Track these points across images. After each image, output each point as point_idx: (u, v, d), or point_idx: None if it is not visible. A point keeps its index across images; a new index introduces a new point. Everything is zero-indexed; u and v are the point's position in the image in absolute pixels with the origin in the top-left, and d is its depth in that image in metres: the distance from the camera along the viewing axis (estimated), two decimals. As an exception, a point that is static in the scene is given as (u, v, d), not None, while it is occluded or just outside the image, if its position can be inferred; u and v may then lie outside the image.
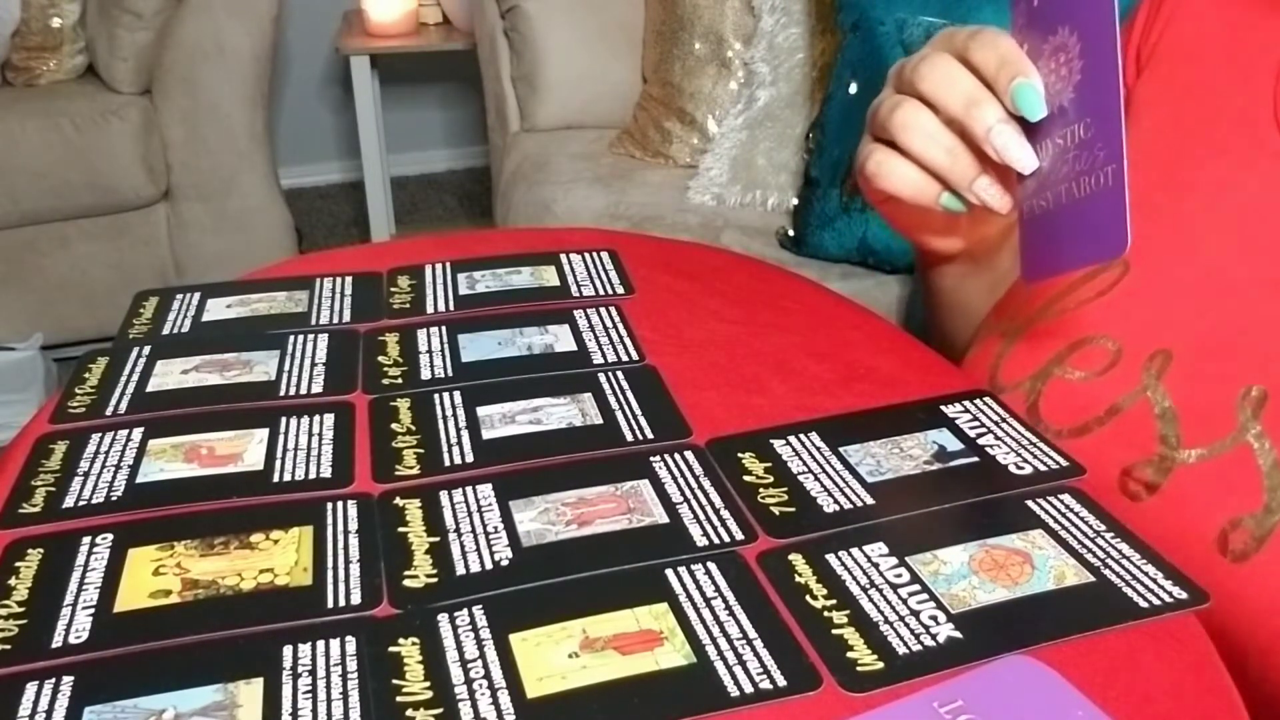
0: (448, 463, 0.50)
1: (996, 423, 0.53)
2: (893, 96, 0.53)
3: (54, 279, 2.03)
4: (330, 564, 0.44)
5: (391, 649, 0.39)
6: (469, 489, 0.48)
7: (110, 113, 1.96)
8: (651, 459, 0.50)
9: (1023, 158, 0.49)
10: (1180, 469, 0.50)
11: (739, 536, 0.45)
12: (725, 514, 0.47)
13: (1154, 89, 0.62)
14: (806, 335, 0.60)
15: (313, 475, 0.50)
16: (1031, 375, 0.57)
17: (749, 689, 0.37)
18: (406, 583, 0.43)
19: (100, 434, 0.53)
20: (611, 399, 0.55)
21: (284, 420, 0.54)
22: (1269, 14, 0.57)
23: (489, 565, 0.43)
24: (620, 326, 0.63)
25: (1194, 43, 0.61)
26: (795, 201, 1.57)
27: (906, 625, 0.40)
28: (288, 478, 0.50)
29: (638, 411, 0.54)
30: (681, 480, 0.49)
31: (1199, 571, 0.43)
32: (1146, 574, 0.43)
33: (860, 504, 0.47)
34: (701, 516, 0.46)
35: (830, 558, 0.44)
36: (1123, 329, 0.55)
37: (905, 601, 0.41)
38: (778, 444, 0.51)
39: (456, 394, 0.56)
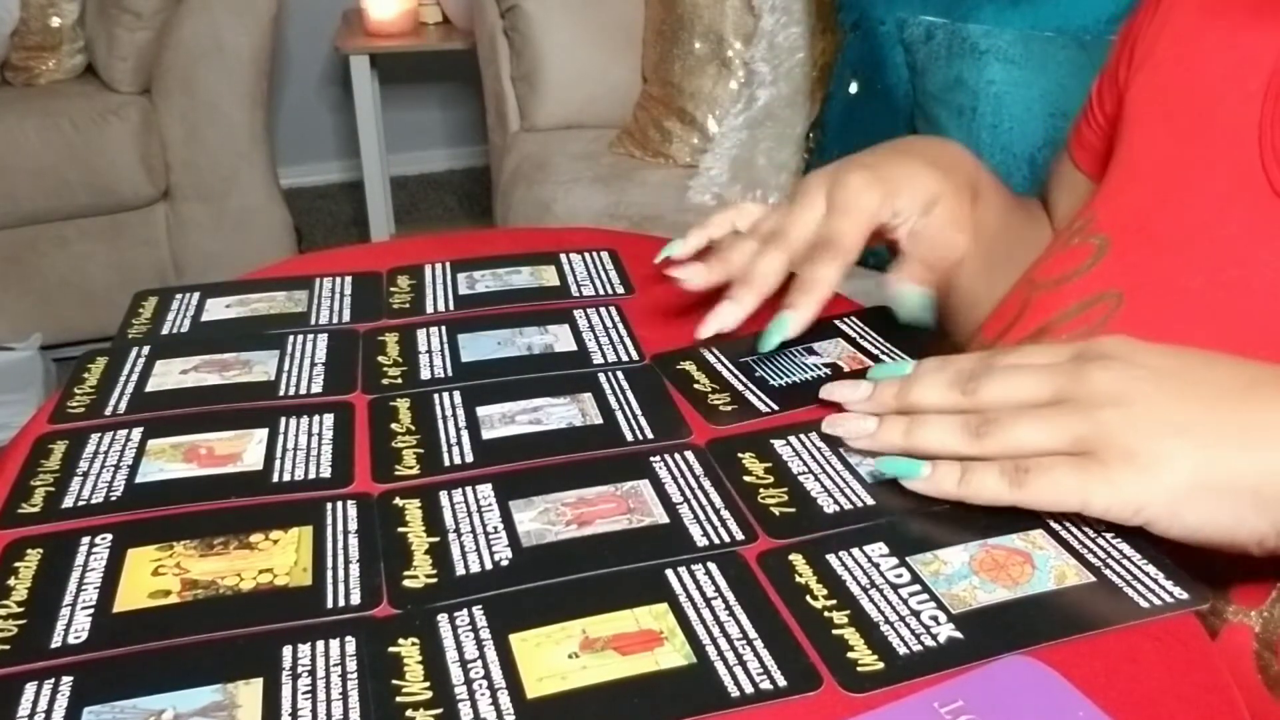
0: (447, 463, 0.50)
1: (997, 422, 0.53)
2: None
3: (54, 279, 2.04)
4: (330, 564, 0.44)
5: (391, 649, 0.39)
6: (469, 489, 0.48)
7: (109, 112, 1.96)
8: (651, 459, 0.50)
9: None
10: None
11: (739, 537, 0.45)
12: (725, 514, 0.46)
13: (1147, 94, 0.60)
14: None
15: (312, 475, 0.50)
16: None
17: (749, 689, 0.37)
18: (406, 583, 0.43)
19: (99, 434, 0.53)
20: (611, 399, 0.55)
21: (283, 420, 0.54)
22: (1260, 23, 0.54)
23: (489, 565, 0.43)
24: (620, 326, 0.63)
25: (1187, 45, 0.58)
26: (795, 201, 1.57)
27: (907, 625, 0.40)
28: (287, 478, 0.49)
29: (638, 411, 0.54)
30: (681, 480, 0.49)
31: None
32: (1147, 574, 0.43)
33: (860, 504, 0.47)
34: (701, 516, 0.46)
35: (830, 558, 0.44)
36: None
37: (905, 601, 0.41)
38: (778, 444, 0.51)
39: (456, 394, 0.56)
